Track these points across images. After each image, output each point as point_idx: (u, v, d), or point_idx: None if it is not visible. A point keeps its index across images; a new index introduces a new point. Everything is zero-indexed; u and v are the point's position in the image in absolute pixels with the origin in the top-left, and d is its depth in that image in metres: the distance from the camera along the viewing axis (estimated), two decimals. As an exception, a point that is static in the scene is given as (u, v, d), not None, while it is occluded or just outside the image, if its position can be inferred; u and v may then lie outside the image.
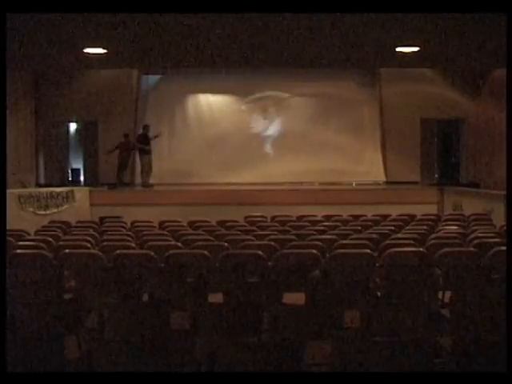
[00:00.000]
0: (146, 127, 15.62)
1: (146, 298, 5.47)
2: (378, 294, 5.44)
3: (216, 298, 5.15)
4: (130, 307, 4.56)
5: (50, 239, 7.88)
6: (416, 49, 10.64)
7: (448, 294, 5.28)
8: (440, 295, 5.58)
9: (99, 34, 9.30)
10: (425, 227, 8.97)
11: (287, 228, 9.30)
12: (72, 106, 16.54)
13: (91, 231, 8.90)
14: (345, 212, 11.15)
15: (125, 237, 8.23)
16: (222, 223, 9.79)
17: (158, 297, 5.43)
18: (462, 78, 16.54)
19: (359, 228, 9.05)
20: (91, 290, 5.39)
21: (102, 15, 7.81)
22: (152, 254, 6.79)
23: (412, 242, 7.53)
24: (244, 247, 7.39)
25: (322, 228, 9.15)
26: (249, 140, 17.53)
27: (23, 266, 6.21)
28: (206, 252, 6.80)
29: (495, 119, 15.87)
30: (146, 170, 15.52)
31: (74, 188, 14.00)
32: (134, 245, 7.65)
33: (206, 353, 3.71)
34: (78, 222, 10.41)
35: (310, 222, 10.07)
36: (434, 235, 8.17)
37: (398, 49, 10.65)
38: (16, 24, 8.14)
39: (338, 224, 9.63)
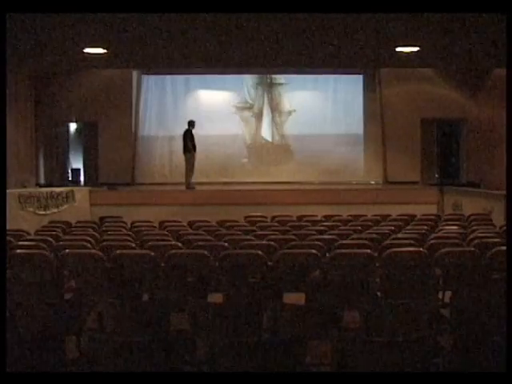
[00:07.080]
0: (191, 123, 14.80)
1: (145, 298, 5.46)
2: (378, 293, 5.44)
3: (216, 298, 5.15)
4: (130, 307, 4.55)
5: (50, 239, 7.87)
6: (416, 49, 10.64)
7: (448, 293, 5.28)
8: (440, 295, 5.58)
9: (99, 34, 9.30)
10: (425, 227, 8.97)
11: (287, 228, 9.29)
12: (72, 106, 16.51)
13: (91, 231, 8.89)
14: (345, 212, 11.15)
15: (125, 237, 8.22)
16: (221, 223, 9.79)
17: (158, 297, 5.43)
18: (462, 77, 16.53)
19: (359, 228, 9.05)
20: (91, 290, 5.39)
21: (102, 15, 7.80)
22: (152, 253, 6.79)
23: (412, 241, 7.53)
24: (244, 247, 7.38)
25: (322, 228, 9.15)
26: (248, 140, 17.53)
27: (23, 266, 6.21)
28: (205, 252, 6.80)
29: (495, 119, 15.86)
30: (190, 169, 14.79)
31: (74, 188, 13.98)
32: (133, 245, 7.65)
33: (205, 353, 3.71)
34: (78, 222, 10.41)
35: (310, 221, 10.07)
36: (433, 235, 8.16)
37: (397, 49, 10.65)
38: (16, 24, 8.13)
39: (338, 224, 9.63)
